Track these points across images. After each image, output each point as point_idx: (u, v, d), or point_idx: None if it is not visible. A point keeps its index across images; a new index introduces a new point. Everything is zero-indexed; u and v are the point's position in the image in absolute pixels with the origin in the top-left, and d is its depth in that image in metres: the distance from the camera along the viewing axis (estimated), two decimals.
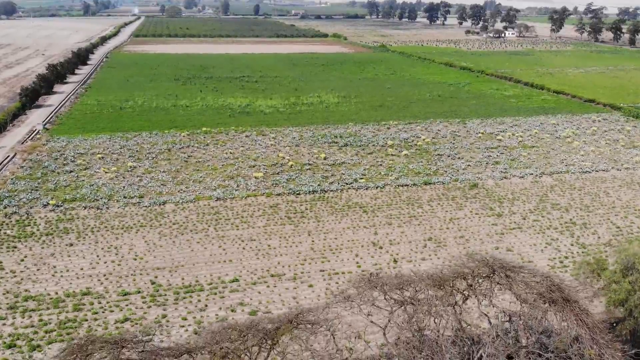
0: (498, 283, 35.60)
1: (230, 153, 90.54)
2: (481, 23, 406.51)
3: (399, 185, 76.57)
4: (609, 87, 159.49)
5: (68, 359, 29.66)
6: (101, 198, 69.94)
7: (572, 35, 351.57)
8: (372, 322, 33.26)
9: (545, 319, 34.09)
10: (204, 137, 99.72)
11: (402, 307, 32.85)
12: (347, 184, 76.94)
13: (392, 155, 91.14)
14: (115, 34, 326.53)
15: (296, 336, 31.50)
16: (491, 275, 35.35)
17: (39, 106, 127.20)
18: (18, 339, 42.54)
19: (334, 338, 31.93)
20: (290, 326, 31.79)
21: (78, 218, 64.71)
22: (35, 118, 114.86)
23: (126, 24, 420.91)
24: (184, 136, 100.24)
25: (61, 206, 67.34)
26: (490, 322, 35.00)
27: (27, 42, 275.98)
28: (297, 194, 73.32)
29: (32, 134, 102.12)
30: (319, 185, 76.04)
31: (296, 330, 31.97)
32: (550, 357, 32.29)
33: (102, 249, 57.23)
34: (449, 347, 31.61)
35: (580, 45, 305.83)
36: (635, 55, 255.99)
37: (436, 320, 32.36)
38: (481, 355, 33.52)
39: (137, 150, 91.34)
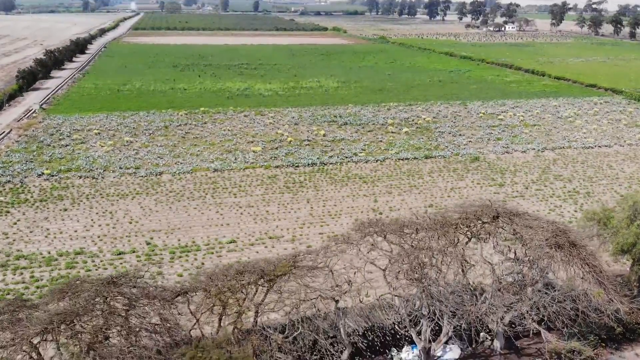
0: (502, 227, 34.55)
1: (229, 130, 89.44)
2: (481, 18, 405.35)
3: (399, 159, 75.47)
4: (610, 74, 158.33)
5: (58, 297, 28.55)
6: (97, 169, 68.83)
7: (573, 29, 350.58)
8: (372, 262, 32.13)
9: (552, 262, 32.96)
10: (201, 117, 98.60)
11: (403, 249, 31.73)
12: (346, 157, 75.87)
13: (392, 132, 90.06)
14: (114, 27, 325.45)
15: (294, 274, 30.43)
16: (495, 219, 34.29)
17: (36, 89, 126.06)
18: (8, 293, 41.42)
19: (332, 274, 30.83)
20: (289, 264, 30.74)
21: (73, 186, 63.58)
22: (31, 99, 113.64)
23: (125, 19, 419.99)
24: (181, 115, 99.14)
25: (56, 176, 66.23)
26: (493, 269, 33.87)
27: (25, 34, 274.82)
28: (296, 166, 72.22)
29: (28, 113, 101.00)
30: (318, 158, 74.98)
31: (294, 270, 30.93)
32: (556, 295, 31.21)
33: (97, 213, 56.12)
34: (452, 286, 30.49)
35: (580, 38, 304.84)
36: (635, 47, 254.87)
37: (438, 261, 31.22)
38: (485, 298, 32.50)
39: (133, 127, 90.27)
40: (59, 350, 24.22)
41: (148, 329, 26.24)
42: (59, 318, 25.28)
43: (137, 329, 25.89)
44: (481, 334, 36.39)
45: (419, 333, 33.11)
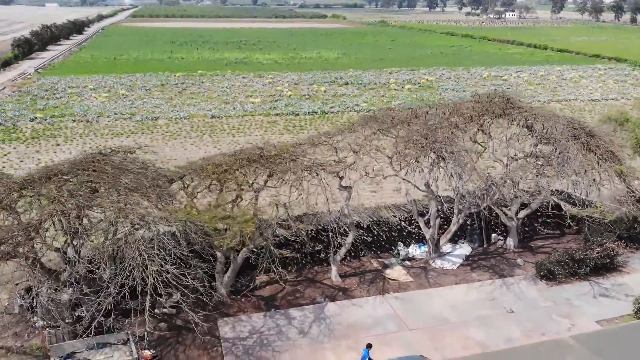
0: (514, 120, 32.57)
1: (227, 87, 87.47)
2: (481, 7, 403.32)
3: (403, 108, 73.43)
4: (614, 48, 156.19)
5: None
6: (91, 114, 66.90)
7: (573, 17, 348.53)
8: (377, 149, 30.22)
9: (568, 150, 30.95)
10: (199, 78, 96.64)
11: (411, 130, 29.84)
12: (348, 107, 73.98)
13: (394, 89, 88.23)
14: (112, 15, 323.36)
15: (294, 152, 28.57)
16: (506, 110, 32.29)
17: (32, 59, 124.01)
18: None
19: (336, 151, 28.98)
20: (289, 145, 28.92)
21: (66, 128, 61.65)
22: (27, 65, 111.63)
23: (124, 9, 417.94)
24: (178, 76, 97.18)
25: (49, 119, 64.35)
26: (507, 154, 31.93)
27: (22, 18, 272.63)
28: (296, 114, 70.29)
29: (23, 75, 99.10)
30: (319, 108, 73.07)
31: (295, 148, 29.08)
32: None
33: (90, 147, 54.15)
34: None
35: (581, 23, 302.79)
36: (637, 30, 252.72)
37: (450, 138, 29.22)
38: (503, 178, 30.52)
39: (129, 85, 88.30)
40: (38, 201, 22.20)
41: (139, 189, 24.27)
42: (40, 173, 23.45)
43: (128, 189, 23.90)
44: (492, 235, 34.60)
45: (427, 222, 31.26)
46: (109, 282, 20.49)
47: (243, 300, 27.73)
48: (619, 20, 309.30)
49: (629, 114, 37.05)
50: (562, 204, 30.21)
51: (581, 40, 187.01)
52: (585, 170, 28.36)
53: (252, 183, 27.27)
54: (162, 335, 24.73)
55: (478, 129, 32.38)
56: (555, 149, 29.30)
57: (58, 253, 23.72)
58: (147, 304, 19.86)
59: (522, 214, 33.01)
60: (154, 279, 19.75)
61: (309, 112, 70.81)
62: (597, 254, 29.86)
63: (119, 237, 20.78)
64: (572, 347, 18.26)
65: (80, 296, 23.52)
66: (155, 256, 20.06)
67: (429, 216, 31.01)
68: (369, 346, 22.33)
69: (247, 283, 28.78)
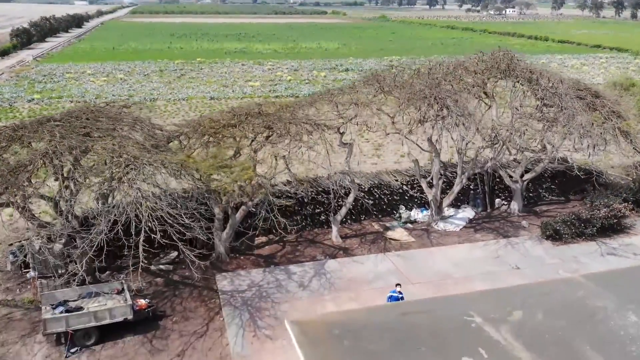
0: (518, 76, 31.77)
1: (226, 73, 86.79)
2: (481, 3, 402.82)
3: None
4: (615, 40, 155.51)
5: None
6: (89, 97, 66.24)
7: (573, 13, 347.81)
8: (379, 109, 29.53)
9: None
10: (198, 65, 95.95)
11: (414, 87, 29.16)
12: (350, 87, 73.17)
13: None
14: (111, 12, 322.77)
15: (293, 109, 27.96)
16: (510, 65, 31.56)
17: (31, 48, 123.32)
18: None
19: (337, 106, 28.33)
20: (288, 102, 28.28)
21: (63, 108, 60.81)
22: (25, 55, 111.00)
23: (123, 7, 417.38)
24: (177, 63, 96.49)
25: (46, 100, 63.74)
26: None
27: (22, 14, 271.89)
28: (296, 97, 69.49)
29: (21, 62, 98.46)
30: (319, 90, 72.33)
31: (295, 104, 28.47)
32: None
33: None
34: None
35: (581, 19, 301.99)
36: (638, 26, 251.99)
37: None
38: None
39: (128, 71, 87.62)
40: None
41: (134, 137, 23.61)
42: (32, 120, 22.81)
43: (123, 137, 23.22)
44: (496, 200, 33.93)
45: (430, 185, 30.59)
46: (101, 219, 19.82)
47: (242, 258, 27.08)
48: (619, 15, 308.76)
49: (635, 79, 36.28)
50: (568, 158, 29.52)
51: (582, 33, 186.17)
52: (593, 124, 27.62)
53: (252, 141, 26.53)
54: (158, 290, 24.07)
55: (482, 89, 31.62)
56: (560, 106, 28.57)
57: (49, 202, 23.06)
58: (142, 238, 19.10)
59: (527, 176, 32.33)
60: (148, 216, 19.05)
61: (309, 95, 69.98)
62: (603, 214, 29.19)
63: (112, 176, 20.06)
64: (582, 284, 17.62)
65: (71, 249, 22.90)
66: (150, 194, 19.37)
67: (432, 176, 30.34)
68: (398, 285, 21.65)
69: (247, 242, 28.14)
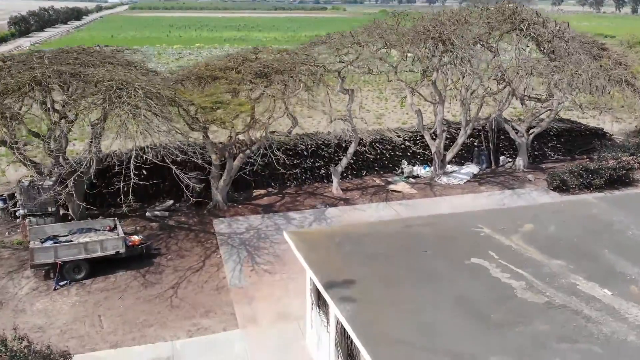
0: (523, 23, 30.73)
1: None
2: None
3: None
4: (617, 31, 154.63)
5: None
6: None
7: (574, 9, 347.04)
8: (381, 57, 28.73)
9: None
10: (197, 49, 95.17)
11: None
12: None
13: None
14: (111, 8, 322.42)
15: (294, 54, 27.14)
16: (515, 12, 30.56)
17: (29, 37, 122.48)
18: None
19: (337, 50, 27.51)
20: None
21: None
22: (23, 42, 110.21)
23: (123, 4, 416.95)
24: (175, 48, 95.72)
25: None
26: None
27: (21, 8, 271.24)
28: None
29: (18, 47, 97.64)
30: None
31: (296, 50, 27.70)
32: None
33: None
34: None
35: (582, 14, 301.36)
36: (639, 19, 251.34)
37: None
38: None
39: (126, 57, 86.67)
40: None
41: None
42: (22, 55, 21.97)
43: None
44: (501, 157, 33.11)
45: (433, 136, 29.76)
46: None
47: (240, 207, 26.24)
48: (619, 11, 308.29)
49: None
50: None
51: (583, 24, 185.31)
52: (601, 66, 26.81)
53: (250, 82, 25.66)
54: (153, 233, 23.21)
55: (487, 41, 30.76)
56: (567, 50, 27.72)
57: (40, 141, 22.23)
58: (133, 155, 18.27)
59: (533, 131, 31.53)
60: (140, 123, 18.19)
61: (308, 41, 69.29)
62: (612, 165, 28.38)
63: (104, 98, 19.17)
64: (595, 204, 16.82)
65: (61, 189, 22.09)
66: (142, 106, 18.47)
67: (435, 127, 29.53)
68: None
69: (245, 194, 27.38)
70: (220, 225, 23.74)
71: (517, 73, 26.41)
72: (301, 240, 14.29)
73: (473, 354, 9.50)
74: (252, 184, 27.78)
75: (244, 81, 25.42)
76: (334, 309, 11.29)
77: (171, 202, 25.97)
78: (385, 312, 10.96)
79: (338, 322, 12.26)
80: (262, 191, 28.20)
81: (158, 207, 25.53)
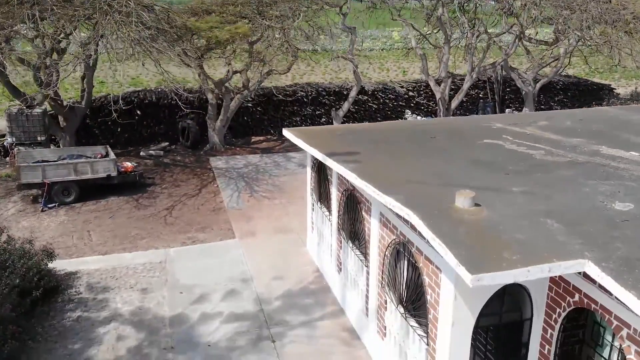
0: None
1: None
2: None
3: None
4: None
5: None
6: None
7: None
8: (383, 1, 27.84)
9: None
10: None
11: None
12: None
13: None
14: None
15: None
16: None
17: None
18: None
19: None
20: None
21: None
22: None
23: None
24: None
25: None
26: None
27: None
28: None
29: None
30: None
31: None
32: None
33: None
34: None
35: None
36: None
37: None
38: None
39: None
40: None
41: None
42: None
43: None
44: (507, 110, 32.20)
45: (438, 83, 28.86)
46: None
47: (237, 149, 25.33)
48: None
49: None
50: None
51: None
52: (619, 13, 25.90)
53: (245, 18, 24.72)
54: (147, 168, 22.28)
55: None
56: None
57: (30, 69, 21.34)
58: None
59: (539, 82, 30.65)
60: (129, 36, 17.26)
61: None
62: None
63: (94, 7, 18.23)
64: (611, 110, 15.91)
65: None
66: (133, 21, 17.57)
67: (440, 71, 28.64)
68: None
69: (243, 140, 26.52)
70: (217, 162, 22.84)
71: (525, 5, 25.47)
72: (302, 132, 13.41)
73: (494, 187, 8.62)
74: (251, 130, 27.00)
75: (240, 15, 24.60)
76: (336, 166, 10.35)
77: (166, 143, 25.11)
78: (394, 167, 10.11)
79: (342, 194, 11.39)
80: (261, 137, 27.35)
81: (153, 147, 24.66)
